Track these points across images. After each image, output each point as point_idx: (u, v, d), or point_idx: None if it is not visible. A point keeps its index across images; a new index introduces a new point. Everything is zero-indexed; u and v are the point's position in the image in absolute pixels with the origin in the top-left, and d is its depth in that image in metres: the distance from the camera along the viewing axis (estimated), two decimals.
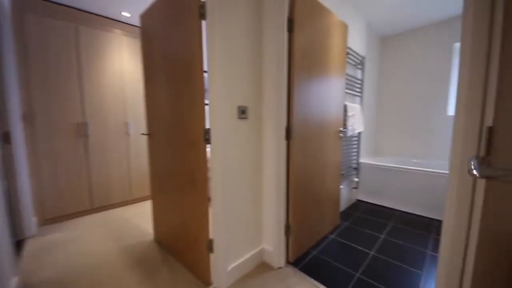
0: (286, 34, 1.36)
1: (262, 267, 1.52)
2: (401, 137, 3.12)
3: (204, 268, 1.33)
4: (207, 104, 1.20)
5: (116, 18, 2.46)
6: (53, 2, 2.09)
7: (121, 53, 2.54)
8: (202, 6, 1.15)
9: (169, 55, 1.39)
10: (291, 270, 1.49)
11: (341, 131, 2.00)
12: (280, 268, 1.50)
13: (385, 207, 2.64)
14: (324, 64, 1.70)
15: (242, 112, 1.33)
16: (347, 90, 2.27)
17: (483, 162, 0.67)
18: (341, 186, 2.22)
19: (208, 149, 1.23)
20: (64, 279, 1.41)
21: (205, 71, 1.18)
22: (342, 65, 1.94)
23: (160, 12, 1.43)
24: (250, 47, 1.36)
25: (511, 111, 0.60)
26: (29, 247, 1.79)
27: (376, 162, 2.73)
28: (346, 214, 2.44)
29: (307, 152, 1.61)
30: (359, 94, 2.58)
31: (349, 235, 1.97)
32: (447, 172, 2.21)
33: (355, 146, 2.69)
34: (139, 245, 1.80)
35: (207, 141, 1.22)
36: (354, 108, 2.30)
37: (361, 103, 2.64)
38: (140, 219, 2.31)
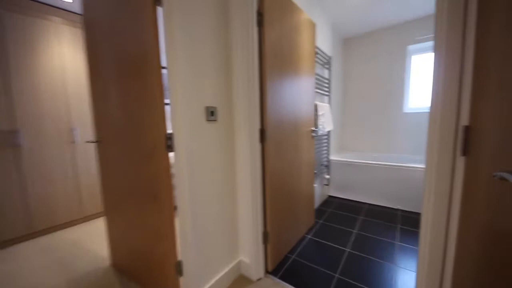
0: (256, 28, 1.26)
1: (240, 281, 1.40)
2: (365, 133, 3.32)
3: None
4: (168, 104, 1.03)
5: (53, 4, 2.05)
6: None
7: (61, 45, 2.14)
8: None
9: (118, 48, 1.17)
10: (270, 280, 1.40)
11: (313, 130, 2.00)
12: (259, 279, 1.41)
13: (354, 201, 2.76)
14: (295, 62, 1.65)
15: (211, 114, 1.19)
16: (316, 90, 2.28)
17: None
18: (314, 185, 2.23)
19: (172, 156, 1.06)
20: None
21: (164, 67, 1.01)
22: (312, 64, 1.93)
23: None
24: (217, 40, 1.22)
25: (487, 110, 0.60)
26: None
27: (344, 159, 2.84)
28: (320, 211, 2.47)
29: (283, 154, 1.54)
30: (327, 94, 2.64)
31: (324, 233, 1.98)
32: (406, 165, 2.40)
33: (325, 144, 2.74)
34: (93, 274, 1.51)
35: (170, 148, 1.04)
36: (324, 107, 2.33)
37: (330, 102, 2.70)
38: (92, 241, 1.98)
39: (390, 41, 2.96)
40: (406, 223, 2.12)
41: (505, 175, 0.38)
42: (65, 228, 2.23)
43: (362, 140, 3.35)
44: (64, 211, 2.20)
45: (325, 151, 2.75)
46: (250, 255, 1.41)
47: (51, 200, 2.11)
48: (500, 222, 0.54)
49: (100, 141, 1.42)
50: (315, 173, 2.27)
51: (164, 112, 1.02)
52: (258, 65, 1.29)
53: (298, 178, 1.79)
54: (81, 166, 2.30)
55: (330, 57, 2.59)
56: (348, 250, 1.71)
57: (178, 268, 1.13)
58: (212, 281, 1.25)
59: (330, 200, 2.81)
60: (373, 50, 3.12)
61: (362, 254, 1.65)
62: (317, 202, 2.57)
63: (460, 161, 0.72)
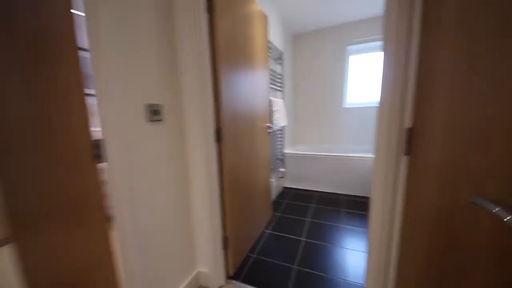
0: (205, 14, 1.10)
1: None
2: (314, 127, 3.56)
3: None
4: (91, 95, 0.80)
5: None
6: None
7: None
8: None
9: (12, 20, 0.83)
10: (232, 286, 1.34)
11: (269, 126, 1.99)
12: (221, 287, 1.33)
13: (307, 190, 2.96)
14: (249, 55, 1.57)
15: (155, 113, 1.00)
16: (270, 85, 2.27)
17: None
18: (271, 179, 2.26)
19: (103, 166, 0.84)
20: None
21: (83, 49, 0.77)
22: (265, 57, 1.89)
23: None
24: (158, 22, 1.02)
25: (431, 111, 0.65)
26: None
27: (296, 152, 2.99)
28: (277, 203, 2.54)
29: (240, 152, 1.47)
30: (280, 89, 2.67)
31: (282, 226, 2.04)
32: (348, 155, 2.69)
33: (280, 138, 2.81)
34: None
35: (99, 158, 0.82)
36: (278, 103, 2.35)
37: (283, 97, 2.75)
38: None
39: (333, 41, 3.19)
40: (351, 207, 2.39)
41: (478, 201, 0.39)
42: None
43: (312, 133, 3.59)
44: None
45: (279, 145, 2.82)
46: (209, 264, 1.31)
47: None
48: (438, 204, 0.61)
49: None
50: (271, 168, 2.30)
51: (86, 111, 0.78)
52: (210, 57, 1.15)
53: (255, 175, 1.76)
54: None
55: (282, 52, 2.61)
56: (304, 239, 1.81)
57: None
58: None
59: (285, 192, 2.93)
60: (319, 48, 3.31)
61: (317, 242, 1.76)
62: (273, 194, 2.64)
63: (404, 160, 0.79)
